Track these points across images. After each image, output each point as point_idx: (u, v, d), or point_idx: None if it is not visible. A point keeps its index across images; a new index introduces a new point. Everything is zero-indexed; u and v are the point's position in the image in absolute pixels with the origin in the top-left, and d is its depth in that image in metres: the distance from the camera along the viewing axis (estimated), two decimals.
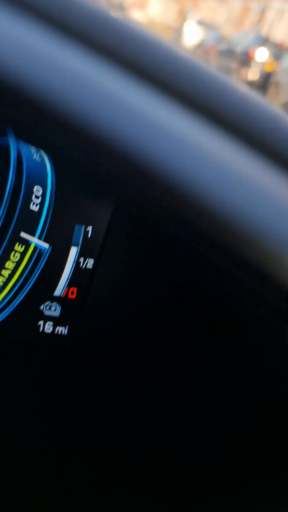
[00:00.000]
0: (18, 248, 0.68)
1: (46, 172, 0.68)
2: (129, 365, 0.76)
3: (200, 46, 17.90)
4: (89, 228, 0.73)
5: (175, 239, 0.76)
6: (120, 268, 0.76)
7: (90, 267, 0.74)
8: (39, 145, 0.67)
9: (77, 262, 0.73)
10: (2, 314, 0.71)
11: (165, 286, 0.78)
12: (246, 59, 13.12)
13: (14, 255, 0.68)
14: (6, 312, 0.71)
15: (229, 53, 14.43)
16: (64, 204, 0.70)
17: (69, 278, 0.73)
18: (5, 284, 0.69)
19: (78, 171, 0.71)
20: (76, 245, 0.72)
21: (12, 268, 0.69)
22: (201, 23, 20.29)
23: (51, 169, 0.68)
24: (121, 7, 8.40)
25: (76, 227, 0.72)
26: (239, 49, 13.77)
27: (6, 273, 0.69)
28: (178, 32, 21.55)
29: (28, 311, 0.73)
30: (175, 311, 0.79)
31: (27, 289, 0.71)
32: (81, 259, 0.73)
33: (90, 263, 0.74)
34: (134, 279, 0.78)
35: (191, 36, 19.72)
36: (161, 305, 0.78)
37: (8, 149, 0.65)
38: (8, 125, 0.65)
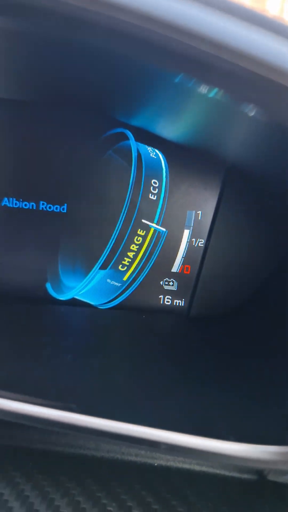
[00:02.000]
0: (140, 232, 0.82)
1: (161, 167, 0.80)
2: (237, 333, 0.85)
3: None
4: (199, 213, 0.84)
5: (281, 218, 0.84)
6: (228, 246, 0.86)
7: (202, 246, 0.84)
8: (154, 145, 0.79)
9: (190, 242, 0.84)
10: (129, 289, 0.85)
11: (270, 261, 0.86)
12: None
13: (137, 239, 0.82)
14: (133, 288, 0.85)
15: None
16: (177, 193, 0.82)
17: (183, 256, 0.84)
18: (131, 263, 0.83)
19: (187, 164, 0.82)
20: (189, 228, 0.84)
21: (136, 250, 0.82)
22: None
23: (165, 165, 0.80)
24: None
25: (188, 212, 0.83)
26: None
27: (131, 254, 0.82)
28: None
29: (150, 286, 0.86)
30: (283, 286, 0.86)
31: (149, 267, 0.84)
32: (193, 240, 0.84)
33: (201, 242, 0.85)
34: (242, 255, 0.87)
35: None
36: (268, 278, 0.86)
37: (130, 150, 0.78)
38: (129, 130, 0.78)
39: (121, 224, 0.80)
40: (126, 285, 0.84)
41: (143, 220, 0.81)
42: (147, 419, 0.54)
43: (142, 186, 0.79)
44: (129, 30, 0.37)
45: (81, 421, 0.53)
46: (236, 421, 0.56)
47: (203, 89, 0.42)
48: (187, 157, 0.81)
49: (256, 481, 0.62)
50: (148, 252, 0.83)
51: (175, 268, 0.85)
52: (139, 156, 0.79)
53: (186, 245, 0.84)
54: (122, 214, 0.80)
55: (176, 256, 0.84)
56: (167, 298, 0.87)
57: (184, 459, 0.63)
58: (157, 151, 0.81)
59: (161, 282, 0.86)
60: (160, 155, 0.80)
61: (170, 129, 0.77)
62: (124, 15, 0.36)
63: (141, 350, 0.78)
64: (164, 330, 0.85)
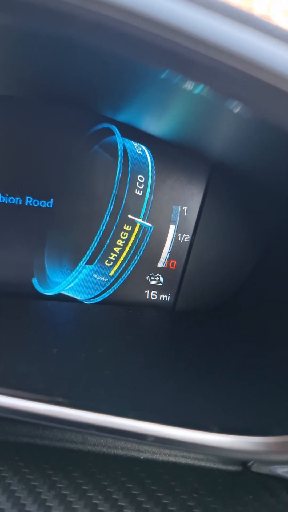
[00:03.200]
0: (127, 227, 0.82)
1: (147, 163, 0.81)
2: (224, 327, 0.86)
3: None
4: (185, 208, 0.84)
5: (264, 213, 0.85)
6: (213, 241, 0.87)
7: (187, 241, 0.85)
8: (140, 141, 0.80)
9: (175, 238, 0.85)
10: (115, 284, 0.85)
11: (254, 256, 0.87)
12: None
13: (123, 234, 0.82)
14: (119, 283, 0.85)
15: None
16: (162, 189, 0.82)
17: (169, 251, 0.85)
18: (117, 258, 0.83)
19: (173, 160, 0.82)
20: (174, 223, 0.84)
21: (122, 245, 0.83)
22: None
23: (151, 160, 0.81)
24: None
25: (174, 208, 0.84)
26: None
27: (117, 249, 0.83)
28: None
29: (136, 281, 0.86)
30: (267, 279, 0.87)
31: (135, 262, 0.84)
32: (179, 235, 0.85)
33: (186, 238, 0.86)
34: (226, 250, 0.88)
35: None
36: (251, 272, 0.87)
37: (116, 145, 0.78)
38: (115, 125, 0.78)
39: (107, 220, 0.81)
40: (112, 280, 0.84)
41: (129, 216, 0.82)
42: (133, 412, 0.55)
43: (128, 181, 0.80)
44: (114, 26, 0.37)
45: (67, 414, 0.53)
46: (221, 413, 0.57)
47: (188, 85, 0.42)
48: (173, 153, 0.82)
49: (240, 472, 0.63)
50: (134, 247, 0.83)
51: (161, 263, 0.86)
52: (125, 151, 0.79)
53: (172, 240, 0.85)
54: (108, 209, 0.80)
55: (162, 251, 0.85)
56: (153, 293, 0.88)
57: (169, 452, 0.64)
58: (143, 146, 0.81)
59: (147, 277, 0.87)
60: (146, 151, 0.81)
61: (156, 125, 0.77)
62: (109, 11, 0.36)
63: (127, 344, 0.78)
64: (150, 325, 0.86)
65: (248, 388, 0.64)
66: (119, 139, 0.78)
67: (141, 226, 0.82)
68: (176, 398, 0.60)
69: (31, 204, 0.80)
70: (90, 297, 0.84)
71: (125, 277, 0.85)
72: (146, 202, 0.82)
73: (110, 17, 0.37)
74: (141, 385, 0.64)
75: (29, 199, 0.79)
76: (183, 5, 0.37)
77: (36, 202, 0.80)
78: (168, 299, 0.88)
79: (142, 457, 0.64)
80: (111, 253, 0.82)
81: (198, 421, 0.54)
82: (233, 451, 0.52)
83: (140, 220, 0.82)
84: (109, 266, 0.83)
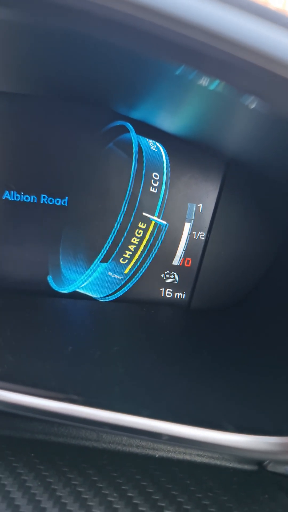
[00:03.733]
0: (141, 225, 0.82)
1: (162, 160, 0.80)
2: (239, 325, 0.86)
3: None
4: (200, 205, 0.84)
5: (280, 210, 0.84)
6: (228, 238, 0.86)
7: (203, 239, 0.85)
8: (155, 138, 0.79)
9: (190, 235, 0.84)
10: (130, 282, 0.85)
11: (270, 253, 0.87)
12: None
13: (138, 232, 0.82)
14: (134, 281, 0.85)
15: None
16: (177, 186, 0.82)
17: (184, 249, 0.85)
18: (132, 256, 0.83)
19: (188, 157, 0.82)
20: (189, 220, 0.84)
21: (137, 243, 0.83)
22: None
23: (166, 157, 0.80)
24: None
25: (189, 205, 0.83)
26: None
27: (132, 247, 0.83)
28: None
29: (151, 279, 0.86)
30: (283, 277, 0.86)
31: (150, 260, 0.84)
32: (194, 233, 0.84)
33: (202, 235, 0.85)
34: (242, 247, 0.87)
35: None
36: (267, 270, 0.86)
37: (131, 142, 0.78)
38: (129, 122, 0.78)
39: (122, 217, 0.80)
40: (127, 278, 0.84)
41: (144, 213, 0.81)
42: (148, 410, 0.55)
43: (143, 179, 0.80)
44: (129, 22, 0.37)
45: (82, 412, 0.53)
46: (236, 412, 0.57)
47: (203, 81, 0.41)
48: (188, 150, 0.81)
49: (256, 472, 0.62)
50: (149, 245, 0.83)
51: (176, 261, 0.85)
52: (140, 149, 0.79)
53: (187, 238, 0.84)
54: (123, 207, 0.80)
55: (177, 249, 0.85)
56: (168, 291, 0.88)
57: (184, 450, 0.64)
58: (158, 144, 0.81)
59: (162, 275, 0.86)
60: (161, 148, 0.80)
61: (171, 122, 0.77)
62: (124, 7, 0.36)
63: (141, 343, 0.78)
64: (164, 323, 0.86)
65: (263, 387, 0.63)
66: (133, 136, 0.78)
67: (156, 223, 0.82)
68: (190, 397, 0.60)
69: (46, 202, 0.80)
70: (105, 295, 0.84)
71: (140, 275, 0.85)
72: (161, 199, 0.81)
73: (124, 13, 0.37)
74: (155, 384, 0.64)
75: (44, 197, 0.80)
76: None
77: (51, 200, 0.80)
78: (184, 297, 0.88)
79: (157, 455, 0.63)
80: (126, 251, 0.82)
81: (212, 420, 0.54)
82: (248, 451, 0.51)
83: (155, 218, 0.82)
84: (124, 264, 0.83)
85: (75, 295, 0.83)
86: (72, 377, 0.61)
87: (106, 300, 0.85)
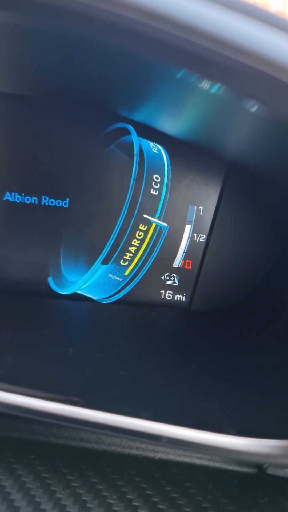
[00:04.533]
0: (142, 227, 0.82)
1: (163, 162, 0.80)
2: (240, 327, 0.86)
3: None
4: (201, 208, 0.84)
5: (281, 214, 0.84)
6: (228, 241, 0.86)
7: (203, 241, 0.85)
8: (156, 140, 0.79)
9: (191, 238, 0.84)
10: (131, 284, 0.85)
11: (271, 256, 0.87)
12: None
13: (138, 234, 0.82)
14: (134, 283, 0.85)
15: None
16: (178, 188, 0.82)
17: (185, 251, 0.85)
18: (132, 258, 0.83)
19: (189, 159, 0.82)
20: (190, 223, 0.84)
21: (138, 245, 0.83)
22: None
23: (167, 160, 0.80)
24: None
25: (190, 207, 0.83)
26: None
27: (133, 249, 0.83)
28: None
29: (151, 281, 0.86)
30: (283, 280, 0.87)
31: (150, 262, 0.84)
32: (195, 235, 0.84)
33: (202, 238, 0.85)
34: (242, 250, 0.87)
35: None
36: (268, 272, 0.87)
37: (132, 144, 0.78)
38: (131, 124, 0.78)
39: (122, 219, 0.81)
40: (127, 280, 0.84)
41: (145, 215, 0.81)
42: (148, 413, 0.55)
43: (144, 181, 0.80)
44: (131, 25, 0.37)
45: (82, 414, 0.54)
46: (235, 415, 0.57)
47: (205, 84, 0.42)
48: (189, 153, 0.81)
49: (255, 474, 0.62)
50: (149, 247, 0.83)
51: (176, 263, 0.85)
52: (141, 151, 0.79)
53: (187, 240, 0.84)
54: (124, 209, 0.80)
55: (178, 251, 0.85)
56: (168, 293, 0.88)
57: (184, 453, 0.64)
58: (159, 146, 0.81)
59: (163, 277, 0.86)
60: (162, 150, 0.81)
61: (172, 124, 0.77)
62: (126, 11, 0.36)
63: (141, 345, 0.78)
64: (165, 325, 0.86)
65: (263, 390, 0.63)
66: (135, 138, 0.78)
67: (156, 226, 0.82)
68: (190, 399, 0.60)
69: (47, 204, 0.80)
70: (105, 296, 0.84)
71: (141, 277, 0.85)
72: (162, 201, 0.81)
73: (126, 17, 0.37)
74: (155, 386, 0.64)
75: (45, 199, 0.80)
76: (200, 4, 0.37)
77: (52, 202, 0.80)
78: (184, 299, 0.88)
79: (156, 457, 0.64)
80: (127, 253, 0.82)
81: (212, 423, 0.54)
82: (248, 454, 0.51)
83: (155, 220, 0.82)
84: (124, 265, 0.83)
85: (75, 297, 0.83)
86: (73, 379, 0.61)
87: (107, 301, 0.85)
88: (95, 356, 0.68)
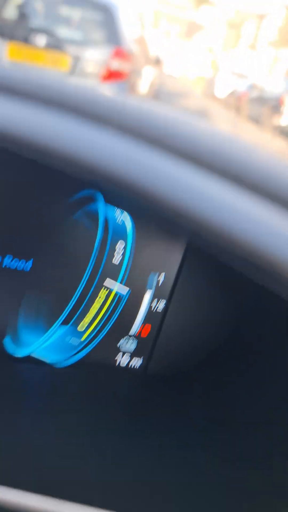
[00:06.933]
0: (102, 293, 0.82)
1: (128, 229, 0.82)
2: (194, 392, 0.87)
3: (233, 94, 17.71)
4: (162, 274, 0.85)
5: (241, 282, 0.87)
6: (187, 308, 0.88)
7: (162, 307, 0.86)
8: (124, 208, 0.81)
9: (151, 303, 0.85)
10: (85, 349, 0.84)
11: (227, 325, 0.89)
12: (277, 105, 12.81)
13: (98, 300, 0.82)
14: (89, 348, 0.85)
15: (260, 100, 14.19)
16: (141, 256, 0.83)
17: (143, 318, 0.85)
18: (90, 323, 0.83)
19: (154, 227, 0.84)
20: (151, 288, 0.85)
21: (96, 310, 0.83)
22: (233, 72, 19.92)
23: (132, 227, 0.82)
24: (157, 61, 8.58)
25: (151, 274, 0.84)
26: (270, 95, 13.56)
27: (91, 314, 0.83)
28: (211, 81, 21.45)
29: (108, 345, 0.86)
30: (241, 346, 0.88)
31: (108, 327, 0.84)
32: (155, 301, 0.85)
33: (162, 304, 0.86)
34: (200, 318, 0.89)
35: (224, 85, 19.47)
36: (223, 341, 0.88)
37: (97, 212, 0.79)
38: (100, 192, 0.79)
39: (83, 284, 0.81)
40: (84, 344, 0.84)
41: (106, 282, 0.82)
42: (97, 496, 0.54)
43: (107, 248, 0.80)
44: None
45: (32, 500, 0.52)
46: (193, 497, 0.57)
47: None
48: (153, 221, 0.83)
49: None
50: (108, 313, 0.84)
51: (134, 329, 0.86)
52: (106, 219, 0.80)
53: (147, 307, 0.85)
54: (85, 274, 0.80)
55: (136, 316, 0.85)
56: (125, 357, 0.88)
57: None
58: (126, 213, 0.82)
59: (120, 342, 0.87)
60: (129, 218, 0.82)
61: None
62: None
63: (97, 411, 0.78)
64: (121, 390, 0.85)
65: (224, 462, 0.64)
66: (100, 207, 0.79)
67: (117, 292, 0.83)
68: (144, 487, 0.60)
69: (9, 265, 0.79)
70: (60, 360, 0.83)
71: (97, 341, 0.85)
72: (123, 268, 0.82)
73: None
74: (106, 464, 0.63)
75: (9, 258, 0.79)
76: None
77: (16, 261, 0.79)
78: (141, 363, 0.88)
79: None
80: (85, 318, 0.82)
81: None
82: None
83: (116, 287, 0.82)
84: (81, 331, 0.83)
85: (29, 360, 0.82)
86: (23, 456, 0.59)
87: (61, 366, 0.84)
88: (48, 428, 0.66)
